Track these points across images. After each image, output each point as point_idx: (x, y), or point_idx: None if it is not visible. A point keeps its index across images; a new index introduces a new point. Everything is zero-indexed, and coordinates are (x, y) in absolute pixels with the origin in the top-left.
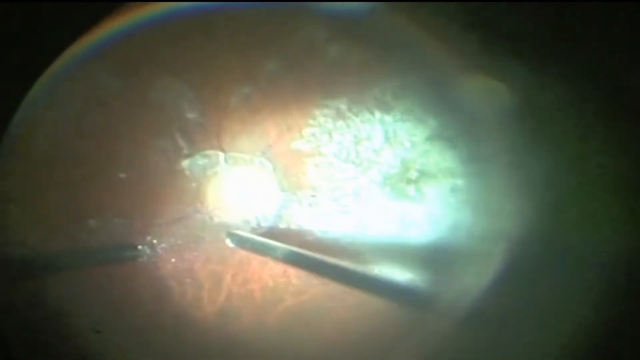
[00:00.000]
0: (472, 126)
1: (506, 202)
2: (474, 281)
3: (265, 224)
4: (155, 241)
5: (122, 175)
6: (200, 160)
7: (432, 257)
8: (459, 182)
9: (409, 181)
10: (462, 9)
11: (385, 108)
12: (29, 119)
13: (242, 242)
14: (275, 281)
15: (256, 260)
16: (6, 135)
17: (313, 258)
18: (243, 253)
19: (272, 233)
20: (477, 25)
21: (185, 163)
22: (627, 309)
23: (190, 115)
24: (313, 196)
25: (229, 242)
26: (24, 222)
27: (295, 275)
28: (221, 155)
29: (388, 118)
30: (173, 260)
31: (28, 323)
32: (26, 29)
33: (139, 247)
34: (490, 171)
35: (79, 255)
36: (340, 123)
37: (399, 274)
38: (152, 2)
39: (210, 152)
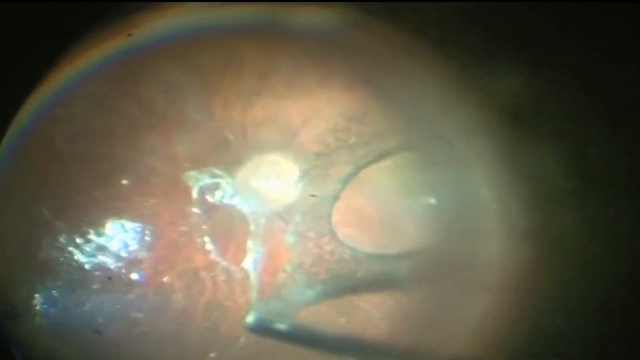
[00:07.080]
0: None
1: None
2: None
3: None
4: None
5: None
6: (205, 179)
7: None
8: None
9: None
10: (461, 9)
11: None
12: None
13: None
14: None
15: None
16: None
17: None
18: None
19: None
20: (476, 26)
21: (189, 176)
22: (627, 308)
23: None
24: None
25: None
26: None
27: None
28: (225, 175)
29: None
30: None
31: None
32: (28, 30)
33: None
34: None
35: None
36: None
37: None
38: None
39: (216, 170)
